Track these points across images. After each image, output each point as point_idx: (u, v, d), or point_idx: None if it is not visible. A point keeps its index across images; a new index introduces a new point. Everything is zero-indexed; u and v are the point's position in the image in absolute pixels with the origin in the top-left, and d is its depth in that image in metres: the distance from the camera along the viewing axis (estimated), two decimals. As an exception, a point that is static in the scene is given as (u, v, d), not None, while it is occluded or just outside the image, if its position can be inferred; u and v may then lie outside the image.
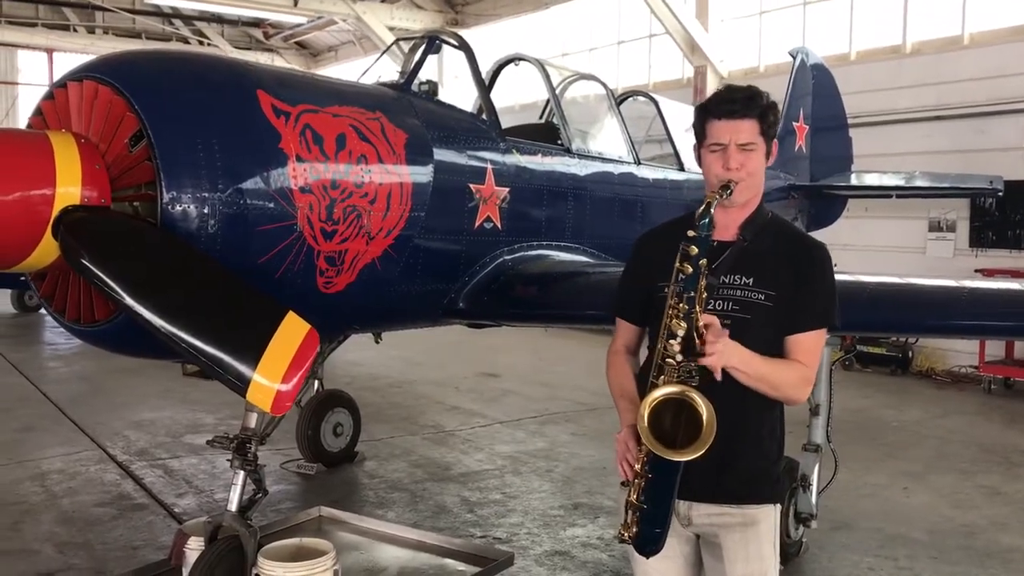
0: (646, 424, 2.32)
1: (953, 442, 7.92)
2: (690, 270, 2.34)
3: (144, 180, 3.30)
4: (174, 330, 2.85)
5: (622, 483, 2.52)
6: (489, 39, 17.54)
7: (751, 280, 2.53)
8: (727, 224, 2.59)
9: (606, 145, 6.02)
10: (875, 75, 11.84)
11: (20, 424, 7.93)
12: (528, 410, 8.80)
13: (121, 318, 3.22)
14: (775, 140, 2.58)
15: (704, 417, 2.29)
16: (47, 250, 3.16)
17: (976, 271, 10.43)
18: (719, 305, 2.51)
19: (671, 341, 2.35)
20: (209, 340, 2.81)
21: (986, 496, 6.37)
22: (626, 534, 2.48)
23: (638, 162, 6.14)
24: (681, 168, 6.73)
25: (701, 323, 2.35)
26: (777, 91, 9.84)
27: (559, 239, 5.29)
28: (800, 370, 2.50)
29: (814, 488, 4.98)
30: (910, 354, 11.17)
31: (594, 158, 5.68)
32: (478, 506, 5.92)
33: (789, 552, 4.95)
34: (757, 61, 13.95)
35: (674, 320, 2.36)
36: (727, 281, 2.54)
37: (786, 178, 9.21)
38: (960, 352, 10.84)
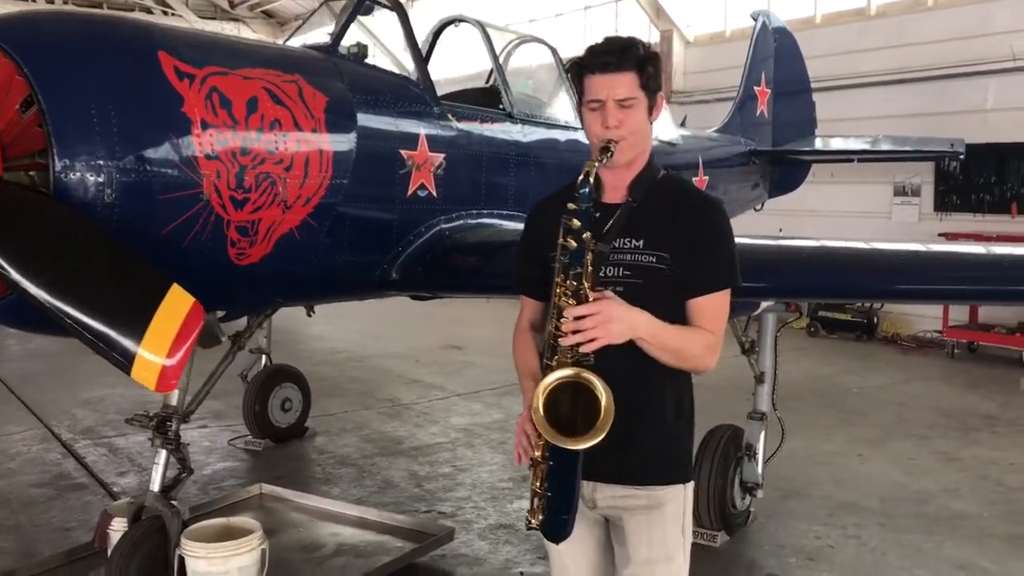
0: (541, 411, 2.19)
1: (913, 407, 7.88)
2: (574, 244, 2.21)
3: (37, 148, 3.12)
4: (59, 304, 2.70)
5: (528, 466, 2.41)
6: (454, 8, 17.22)
7: (641, 243, 2.38)
8: (615, 185, 2.46)
9: (552, 110, 5.85)
10: (840, 38, 11.71)
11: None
12: (487, 382, 8.69)
13: (14, 294, 3.07)
14: (659, 94, 2.44)
15: (602, 402, 2.17)
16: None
17: (940, 235, 10.38)
18: (610, 271, 2.38)
19: (561, 320, 2.22)
20: (94, 314, 2.66)
21: (941, 462, 6.33)
22: (533, 521, 2.36)
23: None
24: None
25: (591, 299, 2.22)
26: (742, 56, 9.79)
27: (501, 207, 5.14)
28: (705, 337, 2.36)
29: (760, 457, 4.89)
30: (875, 320, 11.14)
31: (538, 123, 5.52)
32: (426, 480, 5.82)
33: (735, 522, 4.87)
34: (723, 25, 13.78)
35: (562, 298, 2.23)
36: (618, 246, 2.39)
37: (747, 143, 9.08)
38: (925, 317, 10.82)
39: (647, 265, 2.37)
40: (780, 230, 8.00)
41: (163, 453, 4.01)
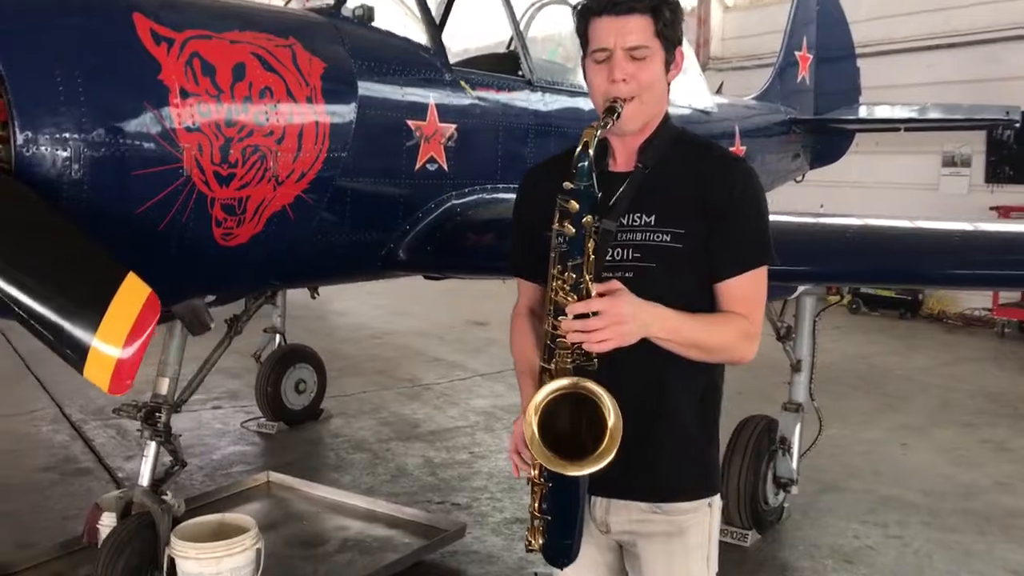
0: (535, 430, 1.87)
1: (959, 391, 7.47)
2: (572, 231, 1.87)
3: (2, 119, 2.85)
4: (8, 289, 2.43)
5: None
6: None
7: (653, 218, 2.05)
8: (624, 151, 2.12)
9: (577, 77, 5.48)
10: (886, 1, 11.15)
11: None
12: (511, 361, 8.37)
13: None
14: (679, 48, 2.09)
15: (608, 421, 1.84)
16: None
17: (991, 208, 9.87)
18: (617, 254, 2.05)
19: (560, 319, 1.90)
20: (45, 302, 2.39)
21: (991, 452, 5.94)
22: (533, 543, 2.07)
23: None
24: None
25: (595, 293, 1.90)
26: (782, 20, 9.31)
27: (519, 181, 4.80)
28: (738, 324, 2.02)
29: (795, 451, 4.55)
30: (920, 297, 10.67)
31: (561, 91, 5.15)
32: (442, 468, 5.56)
33: (767, 520, 4.55)
34: (764, -12, 13.24)
35: (559, 293, 1.91)
36: (626, 223, 2.06)
37: (787, 112, 8.63)
38: (974, 294, 10.33)
39: (661, 245, 2.03)
40: (821, 206, 7.59)
41: (152, 445, 3.77)
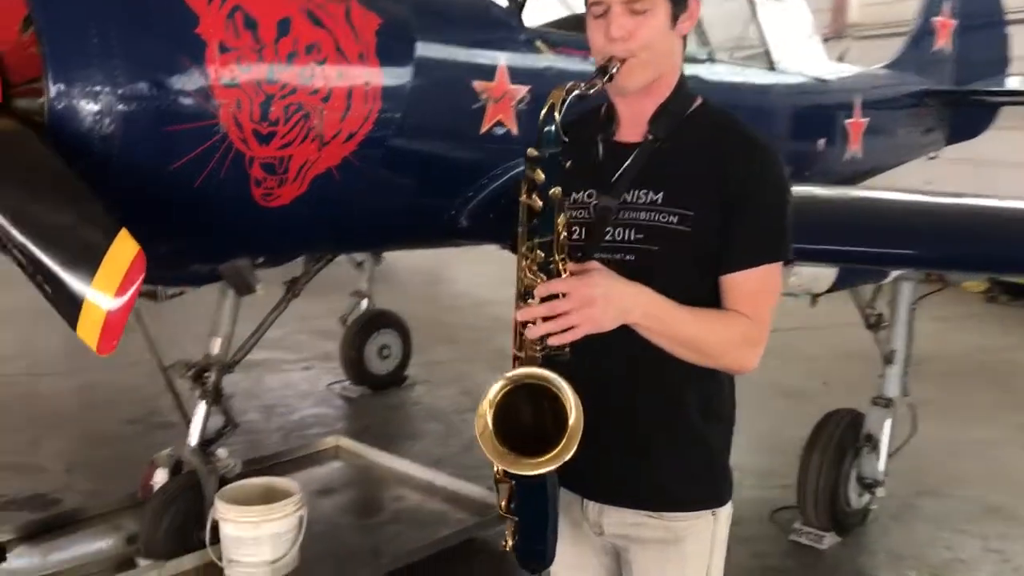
0: (489, 424, 1.69)
1: (1100, 394, 6.79)
2: (539, 204, 1.67)
3: (38, 72, 2.83)
4: (18, 237, 2.40)
5: None
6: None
7: (660, 196, 1.82)
8: (633, 119, 1.90)
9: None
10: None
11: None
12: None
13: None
14: (686, 2, 1.84)
15: (570, 417, 1.64)
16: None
17: None
18: (619, 233, 1.84)
19: (528, 302, 1.70)
20: (50, 251, 2.35)
21: (1124, 463, 5.35)
22: (509, 543, 1.90)
23: (711, 59, 5.27)
24: (771, 67, 5.80)
25: (566, 274, 1.69)
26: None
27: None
28: (738, 325, 1.79)
29: (883, 450, 4.18)
30: (1068, 286, 9.80)
31: (649, 54, 4.87)
32: (515, 443, 5.41)
33: (849, 522, 4.21)
34: (909, -50, 12.33)
35: (527, 273, 1.71)
36: (630, 200, 1.84)
37: (919, 82, 7.99)
38: None
39: (665, 226, 1.80)
40: (929, 183, 6.98)
41: (202, 405, 3.77)
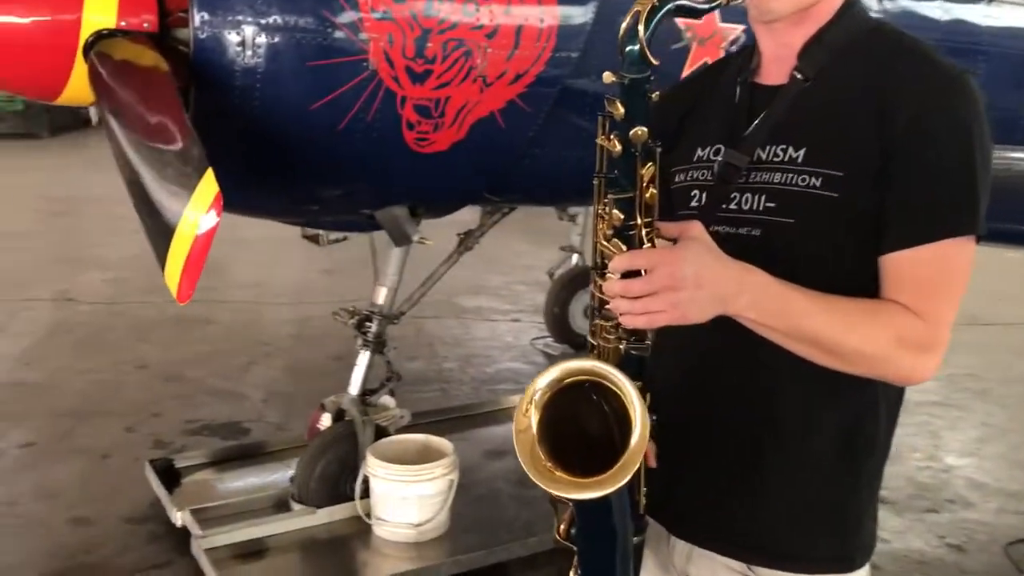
0: (532, 426, 1.32)
1: None
2: (618, 148, 1.26)
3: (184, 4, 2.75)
4: (137, 161, 2.33)
5: None
6: None
7: (801, 154, 1.36)
8: (779, 53, 1.44)
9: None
10: None
11: (330, 266, 8.07)
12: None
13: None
14: None
15: (634, 432, 1.25)
16: (82, 81, 2.76)
17: None
18: (745, 201, 1.40)
19: (605, 275, 1.31)
20: (157, 174, 2.26)
21: None
22: None
23: None
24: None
25: (649, 243, 1.28)
26: None
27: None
28: (898, 322, 1.29)
29: None
30: None
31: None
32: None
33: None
34: None
35: (602, 240, 1.32)
36: (764, 158, 1.40)
37: None
38: None
39: (804, 191, 1.35)
40: None
41: (364, 354, 3.64)
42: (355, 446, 3.57)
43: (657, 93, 1.26)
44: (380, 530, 3.48)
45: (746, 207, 1.41)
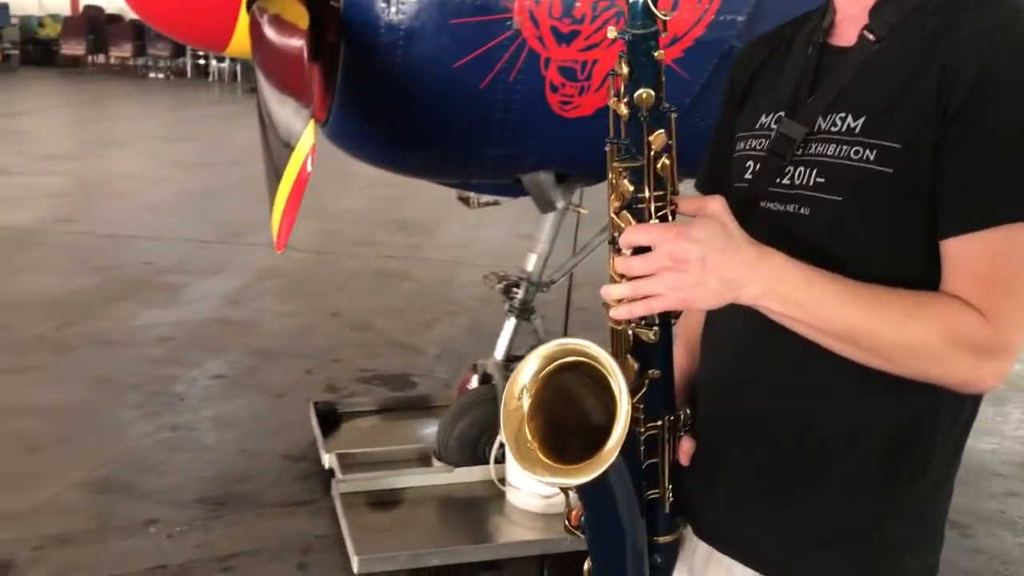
0: (523, 407, 1.21)
1: None
2: (625, 112, 1.13)
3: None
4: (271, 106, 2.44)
5: None
6: None
7: (860, 123, 1.18)
8: (851, 11, 1.26)
9: None
10: None
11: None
12: None
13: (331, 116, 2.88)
14: None
15: (620, 414, 1.12)
16: (246, 34, 2.90)
17: None
18: (799, 176, 1.24)
19: (617, 250, 1.18)
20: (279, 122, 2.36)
21: None
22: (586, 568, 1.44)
23: None
24: None
25: (655, 217, 1.15)
26: None
27: None
28: (953, 319, 1.09)
29: None
30: None
31: None
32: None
33: None
34: None
35: (613, 210, 1.20)
36: (824, 127, 1.22)
37: None
38: None
39: (855, 165, 1.17)
40: None
41: (511, 320, 3.63)
42: (495, 410, 3.56)
43: (659, 52, 1.11)
44: (512, 496, 3.46)
45: (799, 181, 1.24)
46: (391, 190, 7.95)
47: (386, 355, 5.20)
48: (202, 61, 20.77)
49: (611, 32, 1.13)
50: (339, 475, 3.48)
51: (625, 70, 1.12)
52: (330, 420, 4.07)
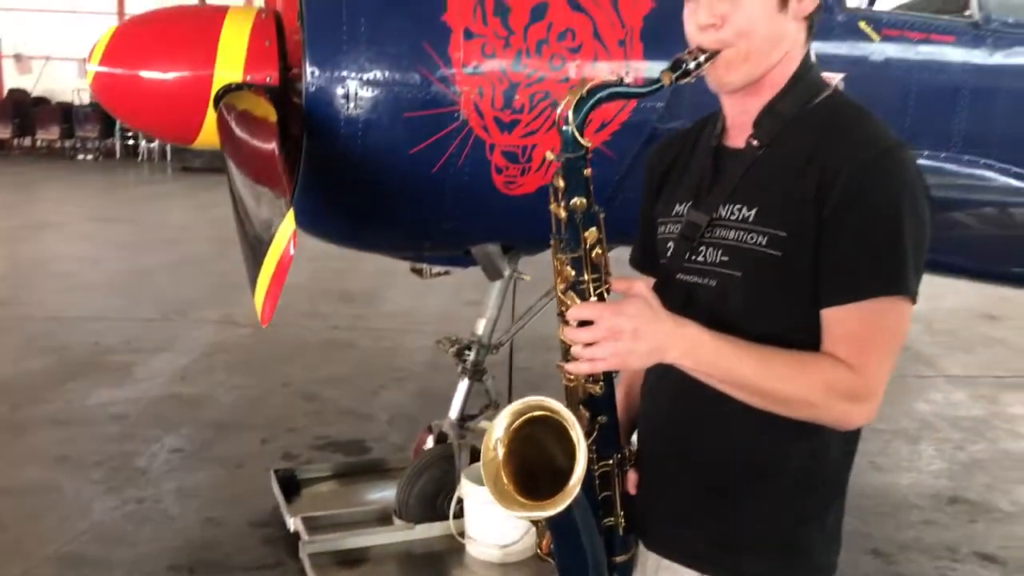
0: (498, 452, 1.47)
1: None
2: (563, 215, 1.45)
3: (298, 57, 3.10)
4: (241, 195, 2.68)
5: None
6: None
7: (752, 213, 1.50)
8: (740, 119, 1.59)
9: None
10: None
11: (477, 296, 8.35)
12: (1010, 367, 7.01)
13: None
14: None
15: (577, 462, 1.40)
16: (214, 127, 3.16)
17: None
18: (704, 255, 1.56)
19: (566, 322, 1.48)
20: (257, 218, 2.60)
21: None
22: None
23: (978, 28, 4.15)
24: None
25: (592, 298, 1.46)
26: None
27: (937, 148, 3.89)
28: (829, 373, 1.42)
29: None
30: None
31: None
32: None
33: None
34: None
35: (559, 290, 1.50)
36: (724, 215, 1.54)
37: None
38: None
39: (751, 248, 1.50)
40: None
41: (464, 382, 3.88)
42: (452, 468, 3.79)
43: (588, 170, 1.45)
44: (471, 548, 3.68)
45: (707, 260, 1.56)
46: (335, 263, 8.17)
47: (338, 422, 5.39)
48: (131, 141, 20.69)
49: (549, 155, 1.45)
50: (305, 537, 3.66)
51: (561, 184, 1.43)
52: (291, 486, 4.25)
